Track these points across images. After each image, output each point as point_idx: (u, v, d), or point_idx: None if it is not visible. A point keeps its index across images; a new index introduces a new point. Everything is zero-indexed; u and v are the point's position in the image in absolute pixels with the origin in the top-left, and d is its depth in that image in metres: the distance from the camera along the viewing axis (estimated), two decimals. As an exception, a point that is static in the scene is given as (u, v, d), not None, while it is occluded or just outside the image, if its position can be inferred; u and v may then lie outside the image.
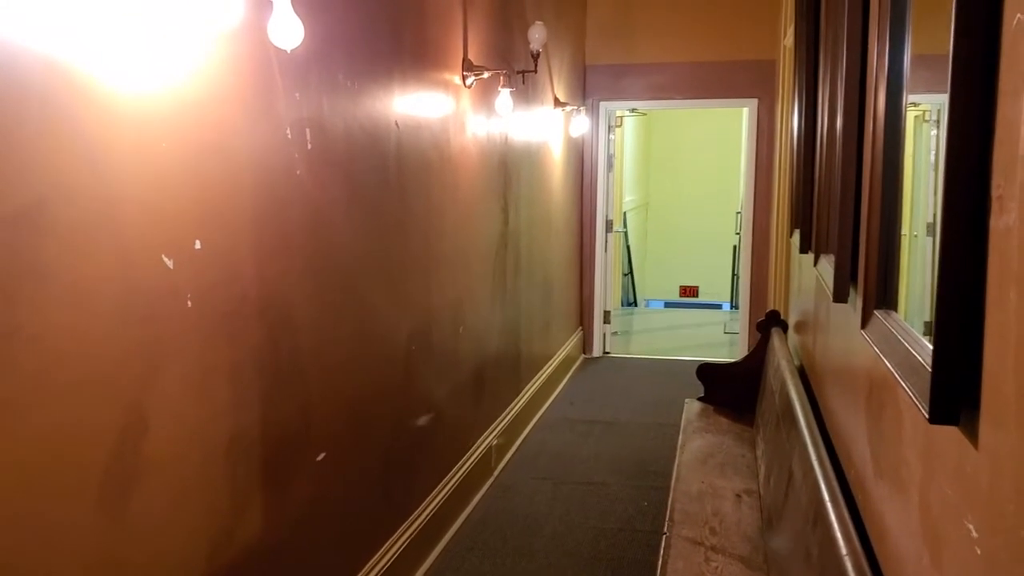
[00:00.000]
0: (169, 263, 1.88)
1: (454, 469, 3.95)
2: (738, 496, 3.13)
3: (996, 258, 0.95)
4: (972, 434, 1.02)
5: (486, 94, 4.27)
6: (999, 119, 0.95)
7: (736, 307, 8.93)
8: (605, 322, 7.70)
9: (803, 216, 3.33)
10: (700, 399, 4.38)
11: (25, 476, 1.54)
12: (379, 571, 3.05)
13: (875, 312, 1.63)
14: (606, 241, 7.60)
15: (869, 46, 1.89)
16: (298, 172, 2.43)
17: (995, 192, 0.96)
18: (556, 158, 6.26)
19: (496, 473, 4.63)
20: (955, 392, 1.03)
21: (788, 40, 5.21)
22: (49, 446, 1.59)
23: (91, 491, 1.70)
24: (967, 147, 0.99)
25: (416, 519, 3.44)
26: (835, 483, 2.00)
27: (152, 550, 1.88)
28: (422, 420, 3.54)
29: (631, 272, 10.63)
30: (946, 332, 1.03)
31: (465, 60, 3.93)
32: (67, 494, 1.64)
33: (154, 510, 1.87)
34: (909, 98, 1.62)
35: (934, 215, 1.72)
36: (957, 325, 1.02)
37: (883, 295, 1.64)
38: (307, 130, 2.47)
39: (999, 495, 0.92)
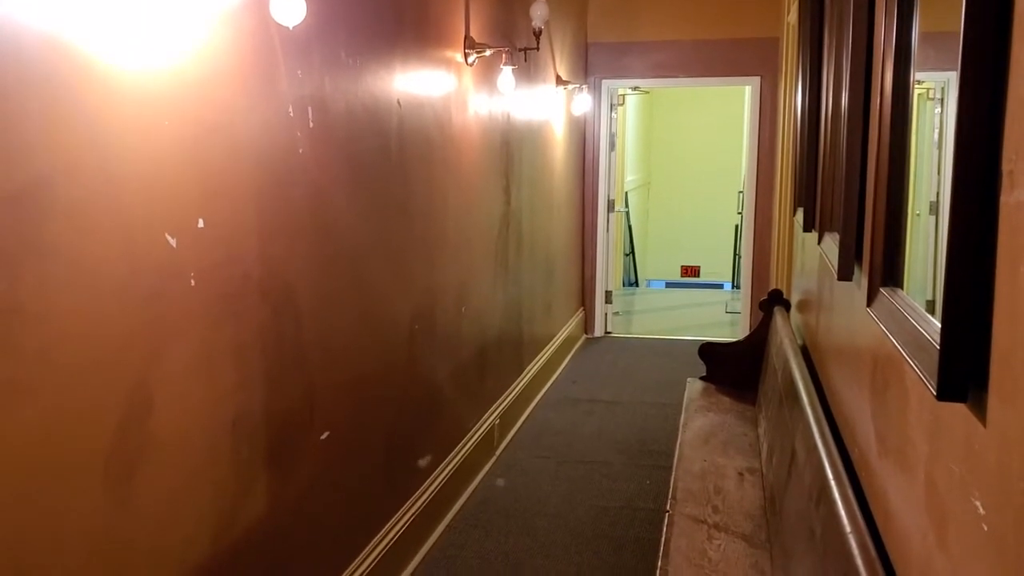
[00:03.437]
0: (172, 242, 1.87)
1: (456, 448, 3.96)
2: (740, 474, 3.13)
3: (1006, 234, 0.95)
4: (980, 411, 1.01)
5: (488, 72, 4.24)
6: (1010, 94, 0.95)
7: (738, 287, 8.92)
8: (607, 302, 7.70)
9: (807, 195, 3.31)
10: (702, 378, 4.38)
11: (29, 457, 1.54)
12: (383, 549, 3.06)
13: (881, 290, 1.63)
14: (608, 221, 7.58)
15: (876, 23, 1.87)
16: (300, 151, 2.42)
17: (1006, 167, 0.95)
18: (558, 137, 6.24)
19: (499, 452, 4.64)
20: (963, 369, 1.03)
21: (792, 17, 5.17)
22: (53, 427, 1.59)
23: (96, 472, 1.70)
24: (978, 122, 0.99)
25: (419, 498, 3.45)
26: (839, 461, 2.00)
27: (157, 530, 1.89)
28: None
29: (632, 252, 10.62)
30: (955, 308, 1.02)
31: (467, 37, 3.90)
32: (72, 475, 1.64)
33: (159, 490, 1.88)
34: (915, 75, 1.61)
35: (937, 194, 1.71)
36: (966, 301, 1.01)
37: (889, 273, 1.63)
38: (309, 108, 2.45)
39: (1008, 472, 0.92)
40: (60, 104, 1.57)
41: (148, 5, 1.78)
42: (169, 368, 1.89)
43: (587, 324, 7.60)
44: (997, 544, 0.96)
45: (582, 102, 6.66)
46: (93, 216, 1.65)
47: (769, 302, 4.32)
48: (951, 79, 1.06)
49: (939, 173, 1.65)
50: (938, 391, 1.06)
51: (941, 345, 1.05)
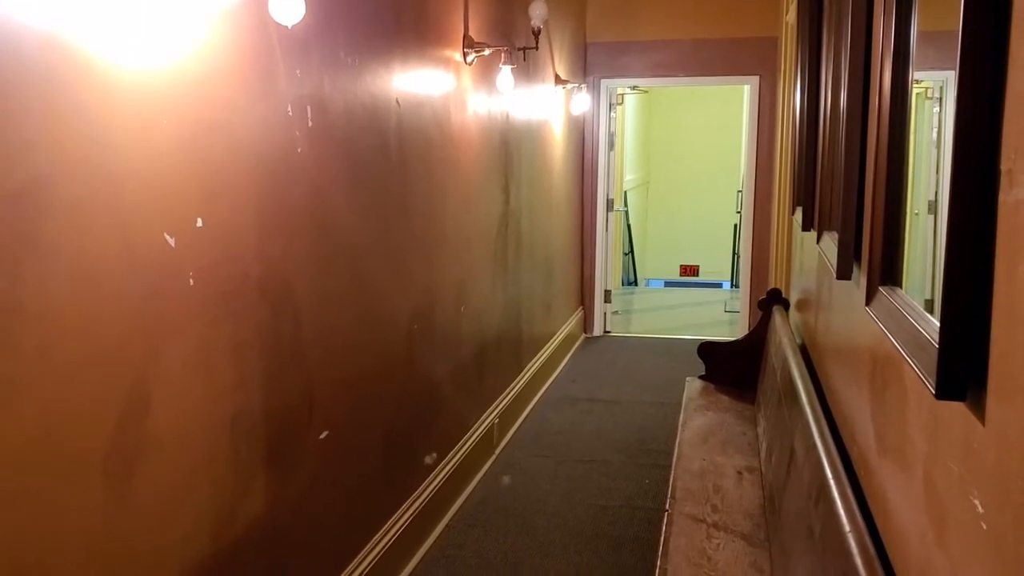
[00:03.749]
0: (171, 241, 1.87)
1: (456, 447, 3.96)
2: (739, 473, 3.13)
3: (1005, 233, 0.95)
4: (979, 410, 1.01)
5: (487, 71, 4.24)
6: (1009, 93, 0.95)
7: (737, 286, 8.93)
8: (606, 301, 7.70)
9: (805, 194, 3.31)
10: (701, 377, 4.38)
11: (28, 455, 1.54)
12: (382, 548, 3.06)
13: (880, 289, 1.63)
14: (607, 220, 7.59)
15: (875, 22, 1.87)
16: (299, 150, 2.42)
17: (1004, 166, 0.95)
18: (557, 136, 6.24)
19: (498, 451, 4.64)
20: (962, 368, 1.03)
21: (790, 16, 5.18)
22: (52, 424, 1.59)
23: (95, 470, 1.70)
24: (976, 121, 0.99)
25: (419, 497, 3.45)
26: (838, 460, 2.00)
27: (156, 528, 1.89)
28: (428, 459, 3.58)
29: (632, 251, 10.62)
30: (954, 307, 1.02)
31: (466, 37, 3.90)
32: (71, 473, 1.64)
33: (158, 489, 1.88)
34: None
35: (935, 193, 1.71)
36: (965, 300, 1.01)
37: (888, 272, 1.63)
38: (308, 107, 2.45)
39: (1007, 471, 0.92)
40: (59, 103, 1.57)
41: (147, 4, 1.78)
42: (168, 366, 1.89)
43: (586, 323, 7.60)
44: (996, 543, 0.96)
45: (581, 101, 6.66)
46: (92, 215, 1.65)
47: (768, 301, 4.32)
48: (949, 78, 1.06)
49: (937, 172, 1.65)
50: (937, 390, 1.06)
51: (940, 344, 1.05)
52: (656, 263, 11.86)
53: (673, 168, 11.97)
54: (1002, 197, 0.95)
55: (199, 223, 1.97)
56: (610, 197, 7.59)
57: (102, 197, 1.68)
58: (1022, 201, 0.89)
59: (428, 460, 3.58)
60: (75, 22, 1.59)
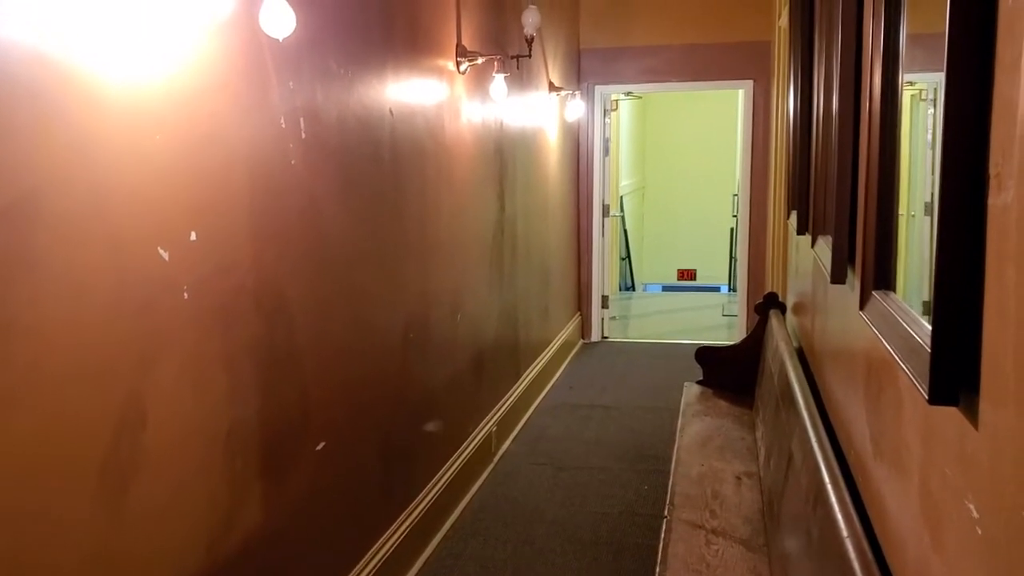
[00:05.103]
0: (164, 255, 1.87)
1: (454, 456, 3.96)
2: (738, 479, 3.13)
3: (994, 236, 0.95)
4: (972, 414, 1.01)
5: (480, 80, 4.25)
6: (996, 97, 0.95)
7: (734, 290, 8.93)
8: (603, 307, 7.70)
9: (800, 197, 3.32)
10: (699, 382, 4.38)
11: (22, 470, 1.54)
12: (381, 558, 3.05)
13: (873, 293, 1.62)
14: (603, 226, 7.59)
15: (864, 25, 1.88)
16: (293, 162, 2.42)
17: (993, 170, 0.95)
18: (552, 143, 6.24)
19: (496, 459, 4.64)
20: (955, 372, 1.03)
21: (783, 21, 5.19)
22: (46, 439, 1.58)
23: (89, 484, 1.69)
24: (964, 125, 0.99)
25: (417, 506, 3.44)
26: (835, 465, 1.99)
27: (151, 541, 1.88)
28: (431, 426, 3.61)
29: (628, 256, 10.62)
30: (945, 312, 1.02)
31: (458, 46, 3.91)
32: (65, 487, 1.64)
33: (153, 501, 1.87)
34: (905, 77, 1.61)
35: (931, 194, 1.71)
36: (956, 305, 1.01)
37: (881, 276, 1.63)
38: (301, 119, 2.45)
39: (1000, 475, 0.92)
40: (49, 118, 1.57)
41: (138, 21, 1.78)
42: (162, 379, 1.89)
43: (584, 329, 7.60)
44: (990, 547, 0.96)
45: (575, 108, 6.66)
46: (83, 229, 1.65)
47: (765, 305, 4.32)
48: (943, 80, 1.06)
49: (933, 173, 1.65)
50: (930, 395, 1.06)
51: (932, 349, 1.04)
52: (653, 267, 11.87)
53: (669, 172, 11.99)
54: (991, 201, 0.95)
55: (193, 237, 1.97)
56: (606, 202, 7.59)
57: (93, 212, 1.67)
58: (1010, 205, 0.89)
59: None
60: (65, 38, 1.59)
